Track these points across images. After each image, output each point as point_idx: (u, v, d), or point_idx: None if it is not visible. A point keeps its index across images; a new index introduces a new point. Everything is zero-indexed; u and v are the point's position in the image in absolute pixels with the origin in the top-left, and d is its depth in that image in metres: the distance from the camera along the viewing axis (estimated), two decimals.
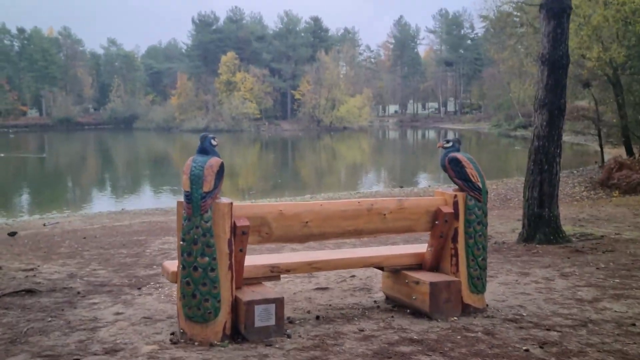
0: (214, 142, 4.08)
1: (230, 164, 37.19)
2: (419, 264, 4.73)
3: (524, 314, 4.46)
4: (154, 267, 6.32)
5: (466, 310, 4.50)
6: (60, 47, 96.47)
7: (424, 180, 26.96)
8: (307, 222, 4.19)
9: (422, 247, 4.83)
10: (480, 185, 4.56)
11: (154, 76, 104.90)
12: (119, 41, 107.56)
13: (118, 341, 3.77)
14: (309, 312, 4.54)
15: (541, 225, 7.29)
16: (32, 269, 6.15)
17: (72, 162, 39.93)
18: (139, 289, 5.29)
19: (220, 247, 3.85)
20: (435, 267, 4.67)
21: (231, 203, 3.90)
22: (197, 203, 3.78)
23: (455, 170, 4.59)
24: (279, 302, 3.93)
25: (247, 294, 3.98)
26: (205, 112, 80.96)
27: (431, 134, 73.89)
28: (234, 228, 3.90)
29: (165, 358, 3.47)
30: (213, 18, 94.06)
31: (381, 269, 4.67)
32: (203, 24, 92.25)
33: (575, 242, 7.26)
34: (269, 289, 4.11)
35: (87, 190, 26.44)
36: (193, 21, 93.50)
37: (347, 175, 30.87)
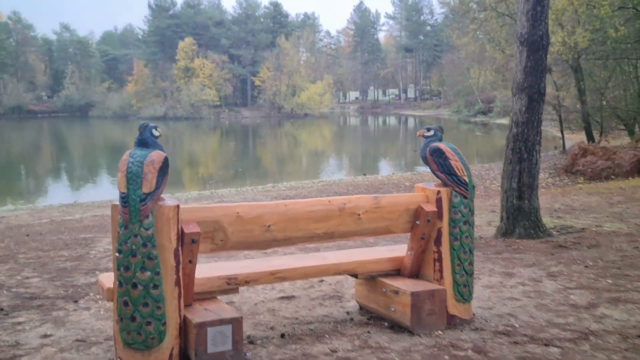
0: (155, 133, 3.41)
1: (189, 152, 36.20)
2: (397, 270, 4.16)
3: (516, 325, 3.93)
4: (97, 272, 5.61)
5: (451, 322, 3.95)
6: (10, 32, 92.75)
7: (386, 167, 26.59)
8: (269, 226, 3.56)
9: (400, 250, 4.26)
10: (467, 180, 4.00)
11: (110, 63, 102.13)
12: (72, 26, 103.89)
13: None
14: (272, 328, 3.93)
15: (521, 219, 6.81)
16: None
17: (24, 151, 38.29)
18: (75, 301, 4.59)
19: (165, 259, 3.20)
20: (415, 273, 4.11)
21: (177, 206, 3.24)
22: (135, 207, 3.12)
23: (437, 162, 4.02)
24: (236, 323, 3.30)
25: (199, 314, 3.34)
26: (163, 99, 79.09)
27: (392, 120, 73.83)
28: (181, 235, 3.26)
29: None
30: (170, 3, 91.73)
31: (355, 276, 4.09)
32: (160, 9, 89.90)
33: (557, 236, 6.80)
34: (225, 307, 3.47)
35: (40, 181, 25.24)
36: (149, 6, 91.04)
37: (309, 163, 30.25)
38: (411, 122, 66.97)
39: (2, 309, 4.33)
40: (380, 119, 76.82)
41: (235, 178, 23.25)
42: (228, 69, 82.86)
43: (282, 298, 4.59)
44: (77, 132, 59.10)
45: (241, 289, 4.10)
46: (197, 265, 3.46)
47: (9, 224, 11.76)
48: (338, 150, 37.65)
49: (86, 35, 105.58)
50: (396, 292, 3.88)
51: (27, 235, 9.37)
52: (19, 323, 4.01)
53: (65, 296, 4.77)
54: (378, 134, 55.40)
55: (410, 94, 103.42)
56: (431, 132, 4.14)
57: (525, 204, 6.81)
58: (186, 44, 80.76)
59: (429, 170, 4.15)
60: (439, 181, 4.07)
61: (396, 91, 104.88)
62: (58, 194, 20.16)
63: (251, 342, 3.63)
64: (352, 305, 4.42)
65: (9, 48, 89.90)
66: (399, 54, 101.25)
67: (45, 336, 3.75)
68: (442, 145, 4.05)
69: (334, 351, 3.46)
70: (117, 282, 3.19)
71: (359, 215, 3.81)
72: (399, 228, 3.99)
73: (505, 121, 47.63)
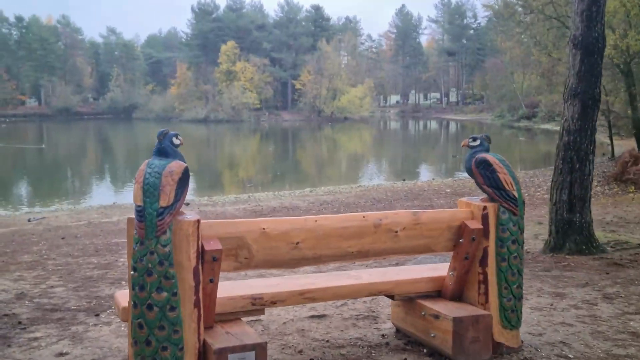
0: (176, 141, 3.15)
1: (229, 154, 36.28)
2: (438, 291, 3.82)
3: (571, 356, 3.55)
4: (123, 283, 5.42)
5: (497, 350, 3.59)
6: (59, 35, 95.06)
7: (426, 173, 26.06)
8: (297, 243, 3.27)
9: (441, 269, 3.92)
10: (516, 194, 3.64)
11: (154, 65, 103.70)
12: (118, 30, 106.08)
13: None
14: (300, 352, 3.63)
15: (571, 233, 6.36)
16: None
17: (71, 153, 38.92)
18: (97, 315, 4.38)
19: (184, 278, 2.94)
20: (458, 296, 3.76)
21: (198, 220, 2.98)
22: (152, 221, 2.87)
23: (484, 175, 3.66)
24: (260, 349, 3.02)
25: (220, 338, 3.07)
26: (205, 102, 79.84)
27: (433, 125, 72.87)
28: (201, 253, 2.99)
29: None
30: (213, 7, 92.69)
31: (391, 297, 3.76)
32: (203, 13, 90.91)
33: (611, 253, 6.33)
34: (249, 330, 3.19)
35: (83, 182, 25.53)
36: (193, 10, 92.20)
37: (348, 167, 29.92)
38: (453, 127, 66.00)
39: (20, 322, 4.14)
40: (421, 123, 75.94)
41: (273, 181, 23.09)
42: (269, 72, 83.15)
43: (313, 317, 4.30)
44: (121, 133, 60.03)
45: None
46: (220, 283, 3.19)
47: (48, 226, 11.80)
48: (377, 155, 37.22)
49: (131, 38, 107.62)
50: (436, 316, 3.55)
51: (63, 238, 9.31)
52: (36, 339, 3.82)
53: (88, 309, 4.57)
54: (418, 139, 54.70)
55: (452, 98, 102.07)
56: (477, 142, 3.79)
57: (576, 217, 6.36)
58: (228, 47, 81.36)
59: (471, 177, 3.80)
60: (486, 195, 3.72)
61: (438, 95, 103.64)
62: (99, 195, 20.31)
63: None
64: (387, 327, 4.09)
65: (58, 51, 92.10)
66: (441, 58, 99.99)
67: (61, 355, 3.53)
68: (489, 157, 3.70)
69: None
70: (132, 303, 2.94)
71: (396, 232, 3.49)
72: (440, 246, 3.65)
73: (549, 126, 46.50)
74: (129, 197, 18.99)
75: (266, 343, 3.05)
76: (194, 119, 72.80)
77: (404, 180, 20.95)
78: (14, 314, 4.36)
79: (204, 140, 49.85)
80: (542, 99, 50.90)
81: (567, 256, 6.26)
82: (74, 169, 29.88)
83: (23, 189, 22.36)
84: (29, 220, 12.90)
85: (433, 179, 21.85)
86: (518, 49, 34.08)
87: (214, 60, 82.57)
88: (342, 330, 4.03)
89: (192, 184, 23.21)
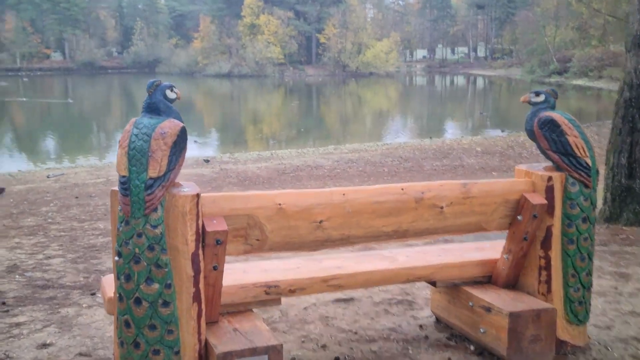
0: (170, 95, 2.54)
1: (252, 110, 35.60)
2: (488, 276, 3.21)
3: None
4: None
5: (560, 350, 2.99)
6: None
7: (453, 130, 25.16)
8: (321, 222, 2.67)
9: (492, 250, 3.29)
10: (589, 162, 2.97)
11: (177, 19, 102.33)
12: None
13: None
14: (324, 347, 3.07)
15: (630, 201, 5.65)
16: None
17: (97, 107, 38.48)
18: (93, 294, 3.86)
19: (179, 266, 2.37)
20: (512, 283, 3.15)
21: (197, 195, 2.39)
22: (138, 196, 2.28)
23: (549, 138, 2.99)
24: (273, 353, 2.46)
25: (225, 338, 2.51)
26: (228, 57, 78.69)
27: (460, 80, 71.17)
28: (202, 235, 2.41)
29: None
30: None
31: (432, 283, 3.16)
32: None
33: None
34: (261, 327, 2.63)
35: (109, 137, 25.12)
36: None
37: (373, 124, 29.08)
38: (480, 82, 64.25)
39: (4, 303, 3.63)
40: (448, 79, 74.17)
41: (297, 138, 22.47)
42: (293, 25, 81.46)
43: (338, 301, 3.72)
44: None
45: None
46: (227, 266, 2.63)
47: (65, 183, 11.39)
48: (403, 111, 36.23)
49: None
50: (488, 309, 2.94)
51: (76, 197, 8.86)
52: (18, 325, 3.30)
53: (84, 285, 4.05)
54: (445, 95, 53.30)
55: (481, 52, 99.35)
56: (541, 98, 3.11)
57: (636, 183, 5.64)
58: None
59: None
60: (550, 163, 3.06)
61: (466, 50, 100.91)
62: None
63: None
64: (426, 314, 3.50)
65: (81, 4, 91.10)
66: (470, 11, 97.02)
67: (43, 346, 3.02)
68: (556, 116, 3.02)
69: None
70: (117, 295, 2.39)
71: (441, 208, 2.86)
72: (494, 224, 3.02)
73: (582, 82, 44.86)
74: None
75: (282, 345, 2.48)
76: (217, 74, 71.98)
77: (430, 138, 20.16)
78: (0, 291, 3.86)
79: (227, 96, 49.22)
80: (575, 52, 49.09)
81: (624, 227, 5.57)
82: (99, 124, 29.49)
83: (48, 144, 22.07)
84: (47, 177, 12.54)
85: (462, 136, 21.01)
86: (552, 0, 32.54)
87: (238, 13, 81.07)
88: (372, 319, 3.45)
89: (214, 140, 22.79)
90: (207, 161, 14.47)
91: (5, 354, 2.91)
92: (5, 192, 10.05)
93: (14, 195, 9.58)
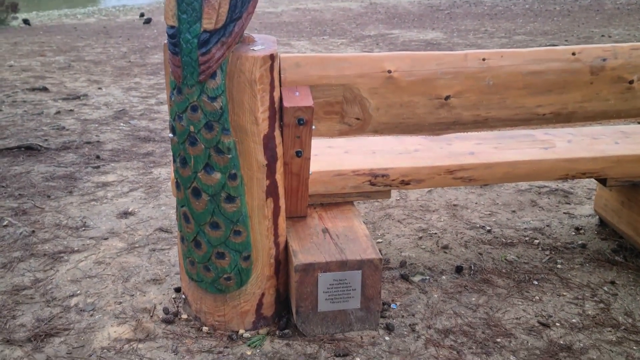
0: None
1: None
2: None
3: None
4: None
5: None
6: None
7: None
8: (447, 98, 1.91)
9: None
10: None
11: None
12: None
13: (79, 302, 2.04)
14: (446, 248, 2.45)
15: None
16: (83, 95, 4.54)
17: None
18: None
19: (249, 151, 1.78)
20: None
21: (272, 55, 1.72)
22: (190, 56, 1.67)
23: None
24: (369, 269, 1.88)
25: (310, 242, 1.96)
26: None
27: None
28: (279, 111, 1.78)
29: None
30: None
31: (602, 182, 2.34)
32: None
33: None
34: (358, 231, 2.03)
35: None
36: None
37: None
38: None
39: (98, 157, 3.33)
40: None
41: None
42: None
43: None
44: None
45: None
46: (322, 142, 2.01)
47: None
48: None
49: None
50: None
51: None
52: (105, 185, 2.99)
53: None
54: None
55: None
56: None
57: None
58: None
59: None
60: None
61: None
62: None
63: (405, 279, 2.21)
64: (585, 213, 2.72)
65: None
66: None
67: (124, 215, 2.67)
68: None
69: (544, 325, 1.93)
70: (174, 181, 1.89)
71: (630, 83, 1.97)
72: None
73: None
74: None
75: (381, 260, 1.88)
76: None
77: None
78: (98, 141, 3.57)
79: None
80: None
81: None
82: None
83: None
84: None
85: None
86: None
87: None
88: (513, 212, 2.74)
89: None
90: None
91: (82, 220, 2.61)
92: (152, 23, 9.96)
93: (160, 26, 9.47)
